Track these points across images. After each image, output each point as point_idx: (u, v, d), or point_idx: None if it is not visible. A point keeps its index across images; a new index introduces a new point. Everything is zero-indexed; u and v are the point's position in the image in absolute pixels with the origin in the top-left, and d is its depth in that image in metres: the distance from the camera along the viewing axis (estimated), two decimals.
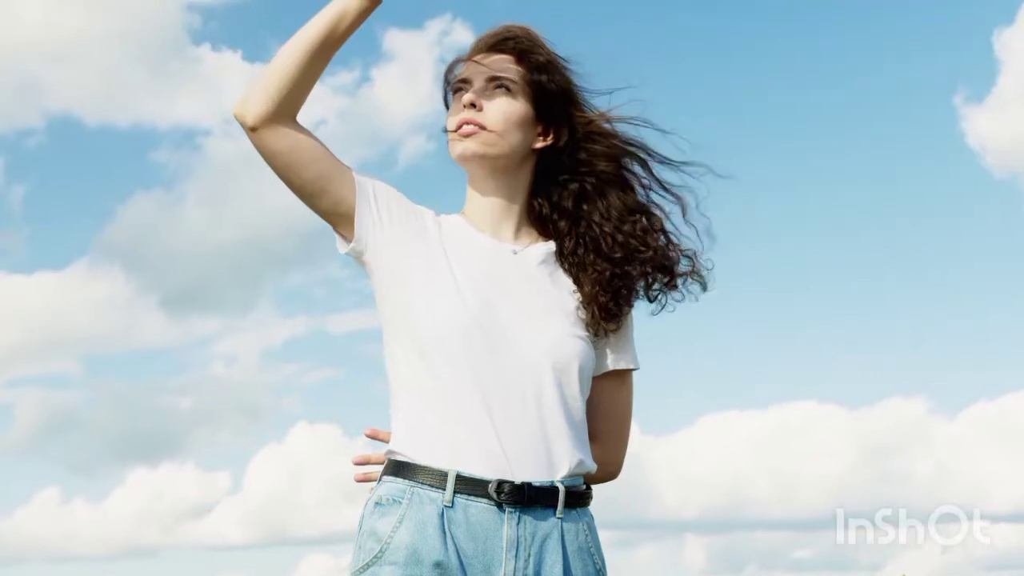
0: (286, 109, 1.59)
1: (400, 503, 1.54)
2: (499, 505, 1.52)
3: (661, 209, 1.73)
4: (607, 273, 1.66)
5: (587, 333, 1.65)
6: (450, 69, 1.72)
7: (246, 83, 1.59)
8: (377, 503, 1.56)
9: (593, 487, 1.69)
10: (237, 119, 1.59)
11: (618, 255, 1.67)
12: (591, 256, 1.68)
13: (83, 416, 8.55)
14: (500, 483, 1.52)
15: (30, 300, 8.01)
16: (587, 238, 1.69)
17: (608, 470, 1.73)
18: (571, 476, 1.58)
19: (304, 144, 1.60)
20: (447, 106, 1.73)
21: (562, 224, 1.70)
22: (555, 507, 1.56)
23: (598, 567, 1.62)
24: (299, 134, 1.60)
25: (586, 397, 1.65)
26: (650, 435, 6.89)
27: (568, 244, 1.69)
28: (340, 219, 1.64)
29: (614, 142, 1.71)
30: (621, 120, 1.72)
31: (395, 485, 1.56)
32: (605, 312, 1.65)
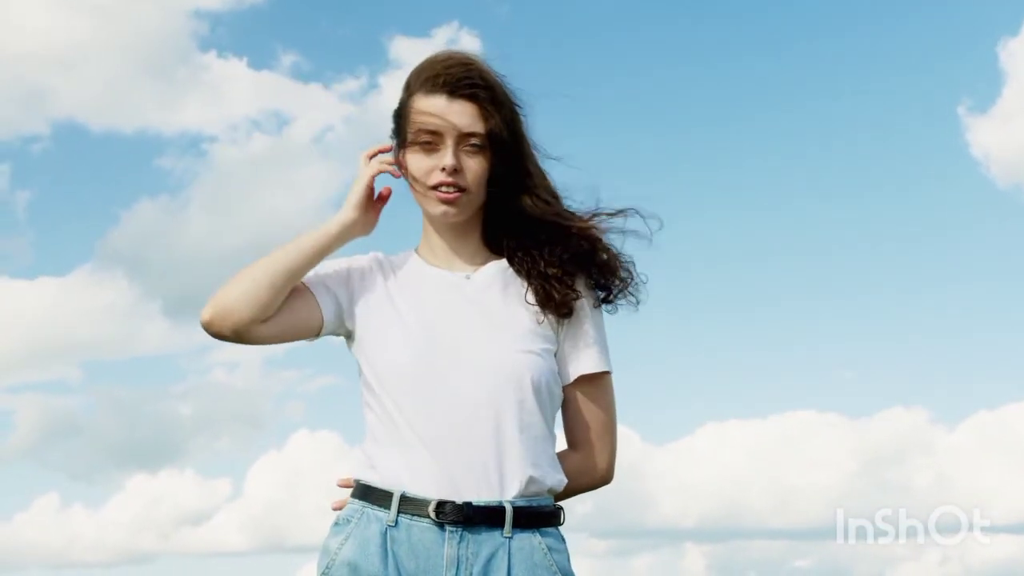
0: (266, 316, 1.68)
1: (351, 522, 1.65)
2: (440, 524, 1.59)
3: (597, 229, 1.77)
4: (540, 264, 1.72)
5: (545, 345, 1.69)
6: (408, 111, 1.73)
7: (215, 298, 1.68)
8: (335, 522, 1.67)
9: (586, 496, 1.75)
10: (211, 331, 1.67)
11: (547, 246, 1.72)
12: (531, 253, 1.73)
13: (83, 422, 8.56)
14: (440, 503, 1.58)
15: (32, 306, 8.02)
16: (528, 238, 1.74)
17: (594, 476, 1.76)
18: (524, 495, 1.62)
19: (284, 324, 1.70)
20: (400, 140, 1.75)
21: (507, 240, 1.76)
22: (502, 526, 1.60)
23: None
24: (277, 318, 1.70)
25: (551, 410, 1.69)
26: (649, 444, 6.90)
27: (515, 251, 1.75)
28: (305, 336, 1.75)
29: (554, 193, 1.76)
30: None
31: (352, 506, 1.66)
32: (550, 302, 1.70)
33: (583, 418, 1.74)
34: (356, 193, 1.74)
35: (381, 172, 1.73)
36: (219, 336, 1.68)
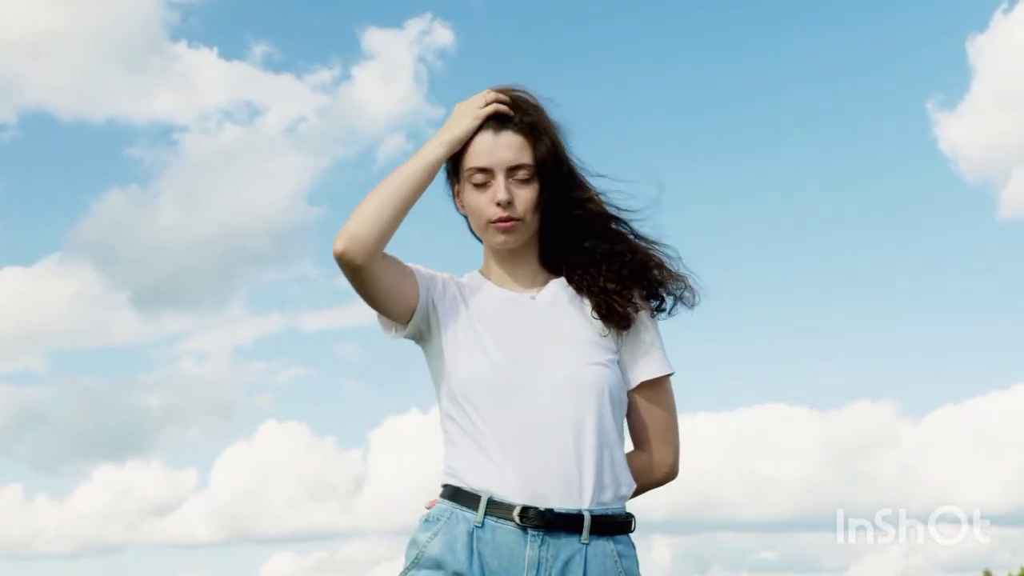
0: (385, 240, 1.78)
1: (440, 520, 1.76)
2: (523, 528, 1.71)
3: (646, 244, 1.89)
4: (599, 280, 1.83)
5: (610, 356, 1.82)
6: (464, 149, 1.84)
7: (344, 229, 1.76)
8: (425, 519, 1.79)
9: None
10: (345, 259, 1.75)
11: (604, 263, 1.85)
12: (589, 270, 1.84)
13: (49, 413, 8.48)
14: (525, 508, 1.71)
15: None
16: (585, 256, 1.86)
17: (663, 472, 1.89)
18: (601, 504, 1.75)
19: (393, 267, 1.81)
20: (455, 176, 1.86)
21: (565, 259, 1.88)
22: (580, 532, 1.72)
23: None
24: (388, 259, 1.80)
25: (620, 416, 1.82)
26: None
27: (573, 269, 1.86)
28: (399, 314, 1.83)
29: (604, 207, 1.88)
30: (607, 200, 1.88)
31: (441, 506, 1.78)
32: (611, 316, 1.82)
33: (648, 420, 1.87)
34: (462, 131, 1.82)
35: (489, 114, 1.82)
36: (350, 266, 1.75)
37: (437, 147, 1.81)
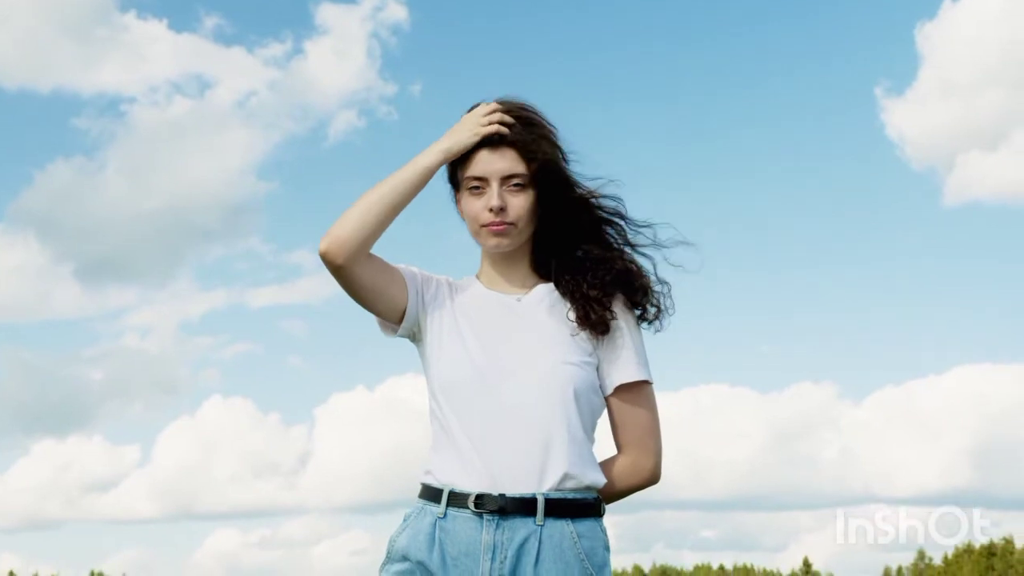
0: (369, 245, 1.89)
1: (411, 517, 1.91)
2: (479, 514, 1.83)
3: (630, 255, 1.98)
4: (583, 287, 1.93)
5: (584, 358, 1.91)
6: (458, 159, 1.94)
7: (330, 231, 1.87)
8: (403, 518, 1.93)
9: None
10: (327, 259, 1.87)
11: (591, 271, 1.94)
12: (576, 277, 1.94)
13: None
14: (479, 495, 1.83)
15: None
16: (574, 263, 1.96)
17: (642, 476, 1.96)
18: (559, 489, 1.84)
19: (379, 269, 1.91)
20: (454, 183, 1.97)
21: (555, 264, 1.98)
22: (534, 515, 1.83)
23: (588, 572, 1.85)
24: (374, 261, 1.91)
25: (590, 415, 1.91)
26: None
27: (561, 274, 1.96)
28: (389, 313, 1.95)
29: (598, 213, 1.98)
30: (602, 196, 1.98)
31: (416, 504, 1.92)
32: (588, 321, 1.90)
33: (627, 423, 1.95)
34: (459, 146, 1.92)
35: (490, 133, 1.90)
36: (332, 265, 1.87)
37: (432, 155, 1.91)
